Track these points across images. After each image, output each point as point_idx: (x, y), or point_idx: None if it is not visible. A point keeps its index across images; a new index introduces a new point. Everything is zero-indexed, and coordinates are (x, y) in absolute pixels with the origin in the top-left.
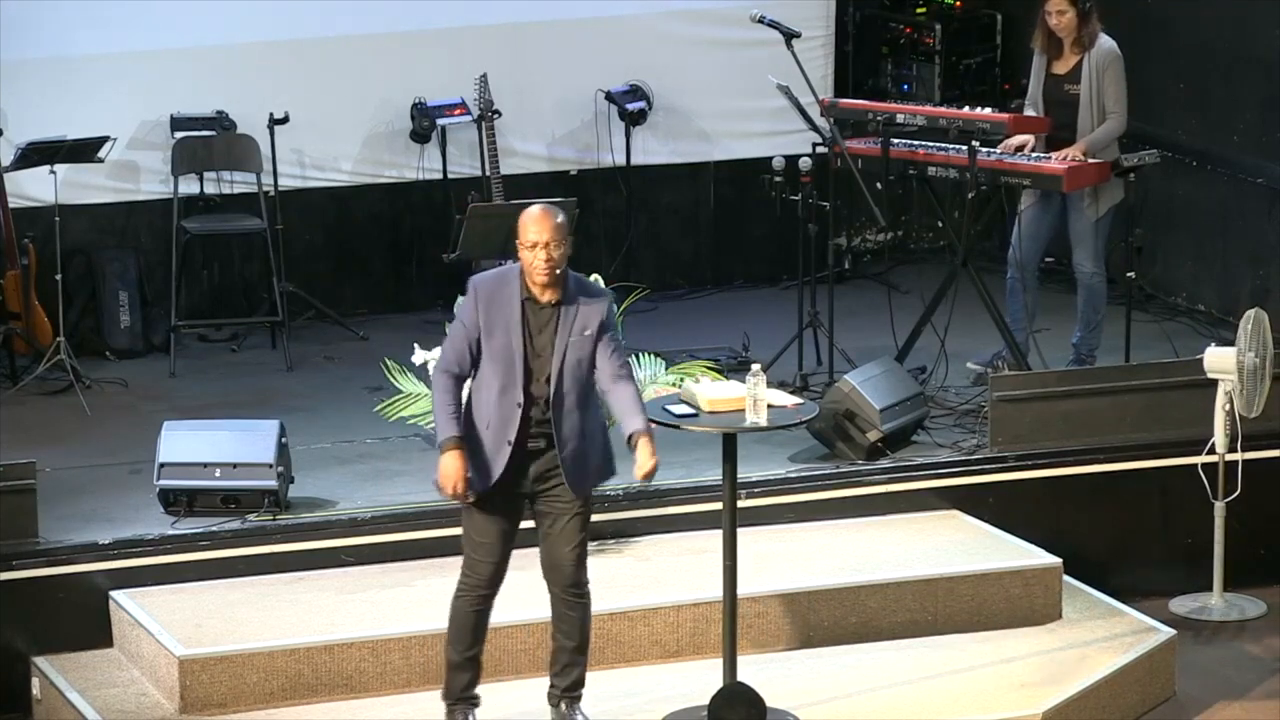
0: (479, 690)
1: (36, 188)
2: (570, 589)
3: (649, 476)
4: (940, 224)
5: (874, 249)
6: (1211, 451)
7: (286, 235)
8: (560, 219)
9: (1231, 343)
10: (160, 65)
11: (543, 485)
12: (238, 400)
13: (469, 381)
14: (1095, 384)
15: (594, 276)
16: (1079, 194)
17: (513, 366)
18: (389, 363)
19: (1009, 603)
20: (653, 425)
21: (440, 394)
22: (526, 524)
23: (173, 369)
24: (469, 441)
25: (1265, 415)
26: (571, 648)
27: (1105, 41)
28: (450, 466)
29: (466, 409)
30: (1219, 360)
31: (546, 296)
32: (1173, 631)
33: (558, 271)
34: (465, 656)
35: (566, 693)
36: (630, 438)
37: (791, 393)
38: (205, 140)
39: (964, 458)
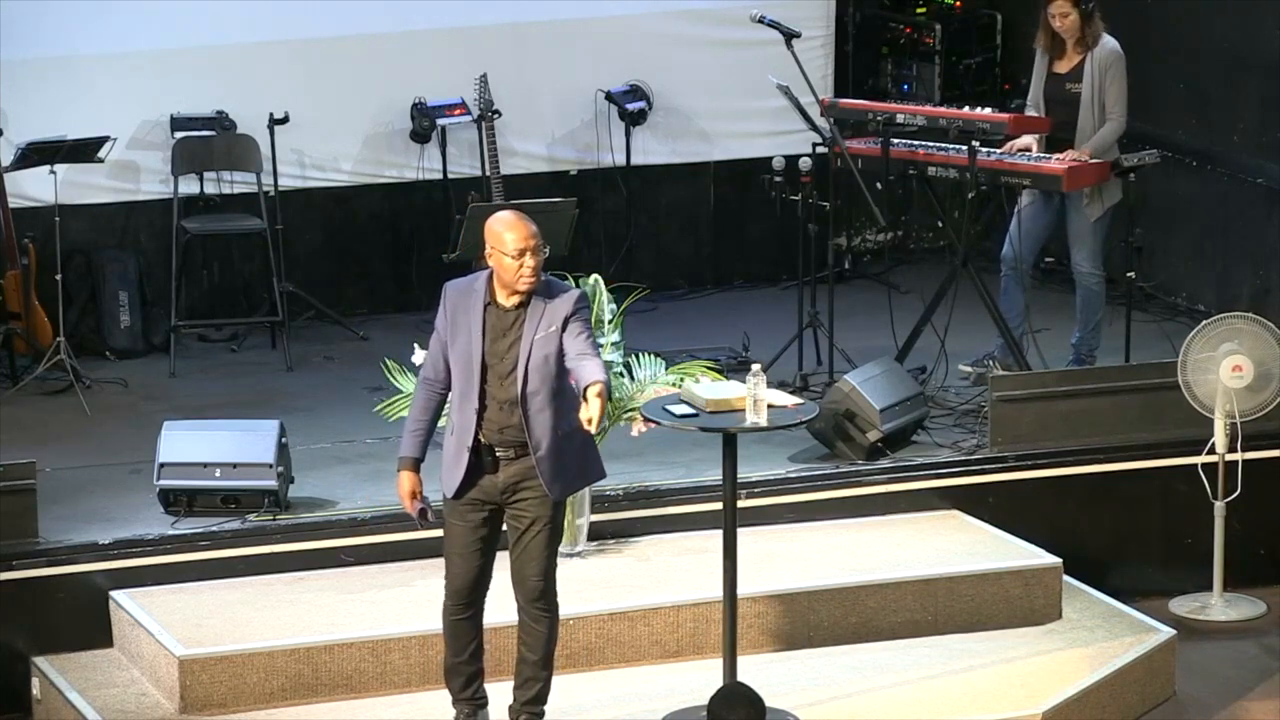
0: (489, 691)
1: (36, 188)
2: (535, 604)
3: (592, 424)
4: (940, 224)
5: (874, 249)
6: (1211, 451)
7: (286, 235)
8: (533, 223)
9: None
10: (160, 65)
11: (513, 496)
12: (238, 400)
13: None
14: (1095, 384)
15: (594, 277)
16: (1079, 193)
17: (470, 372)
18: (389, 363)
19: (1009, 603)
20: (610, 384)
21: (412, 408)
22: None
23: (173, 369)
24: (447, 449)
25: (1265, 415)
26: (534, 661)
27: (1108, 41)
28: (400, 487)
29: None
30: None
31: (513, 301)
32: (1173, 631)
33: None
34: (454, 661)
35: (526, 706)
36: (586, 390)
37: (791, 393)
38: (205, 140)
39: (964, 458)
